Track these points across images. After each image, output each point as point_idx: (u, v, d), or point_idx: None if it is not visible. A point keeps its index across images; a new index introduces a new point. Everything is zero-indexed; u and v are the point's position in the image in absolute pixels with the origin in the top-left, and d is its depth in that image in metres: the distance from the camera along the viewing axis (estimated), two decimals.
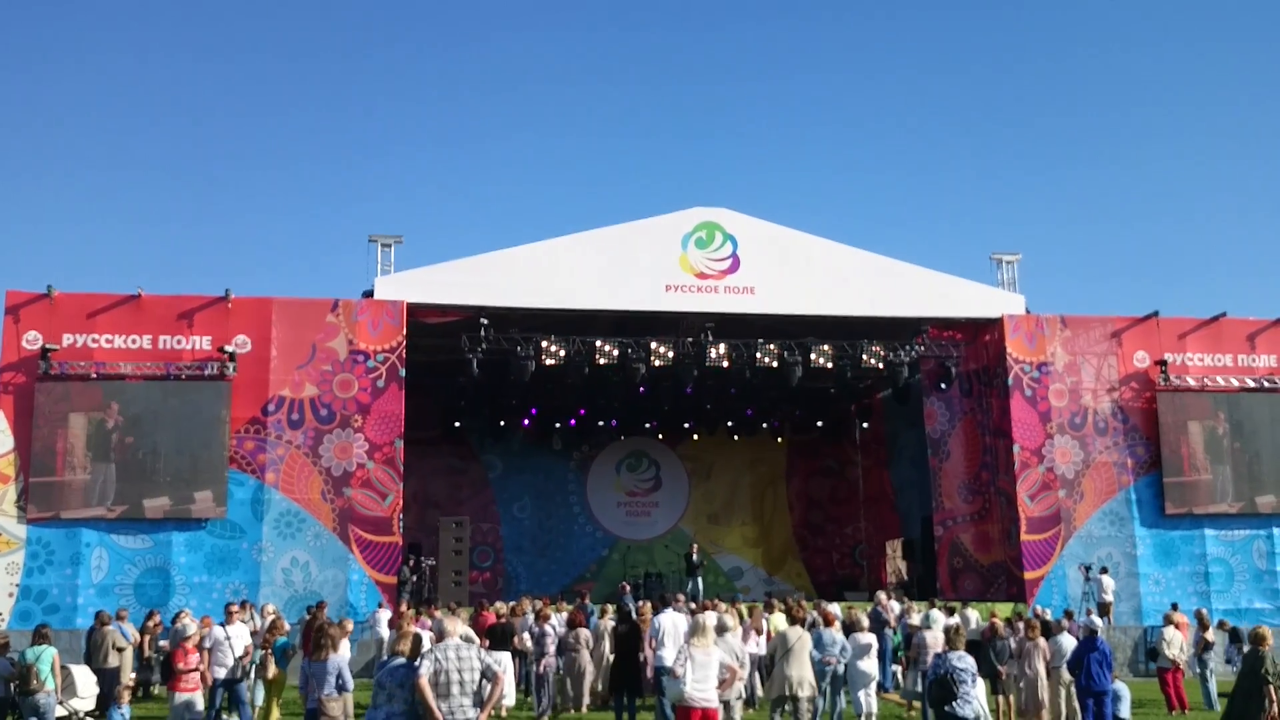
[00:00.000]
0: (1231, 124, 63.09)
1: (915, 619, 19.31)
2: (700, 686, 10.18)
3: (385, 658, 10.04)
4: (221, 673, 14.62)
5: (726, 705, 11.71)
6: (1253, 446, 26.23)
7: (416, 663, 8.71)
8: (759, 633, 16.89)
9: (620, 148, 66.41)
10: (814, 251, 25.92)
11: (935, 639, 15.56)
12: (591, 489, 34.55)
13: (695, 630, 10.63)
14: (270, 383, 23.28)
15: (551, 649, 16.96)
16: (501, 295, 24.43)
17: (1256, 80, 63.78)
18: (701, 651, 10.33)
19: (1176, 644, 17.92)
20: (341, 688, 10.42)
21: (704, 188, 75.86)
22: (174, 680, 13.77)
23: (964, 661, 11.29)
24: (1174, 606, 21.41)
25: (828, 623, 15.51)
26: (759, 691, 16.80)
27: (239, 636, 15.01)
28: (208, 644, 14.58)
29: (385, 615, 21.87)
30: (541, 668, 16.81)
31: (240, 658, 14.89)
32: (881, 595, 22.02)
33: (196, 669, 13.81)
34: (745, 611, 19.09)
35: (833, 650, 14.97)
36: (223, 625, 15.16)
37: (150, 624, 19.56)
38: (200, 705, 13.85)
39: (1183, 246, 64.08)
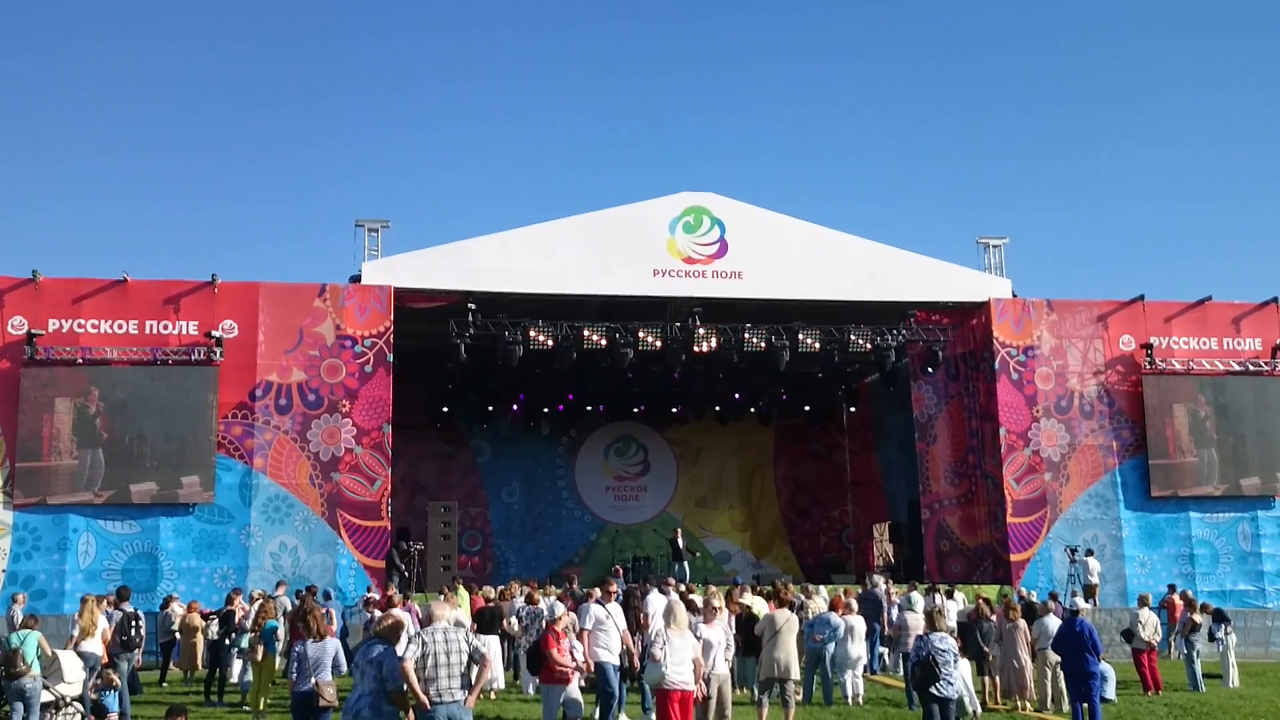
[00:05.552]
0: (1217, 110, 63.28)
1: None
2: (679, 669, 10.24)
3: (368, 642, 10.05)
4: (605, 655, 12.80)
5: (708, 681, 11.65)
6: (1237, 429, 26.34)
7: (398, 645, 8.73)
8: (716, 612, 16.86)
9: (608, 132, 66.34)
10: (801, 236, 25.92)
11: (917, 621, 15.65)
12: (580, 473, 34.60)
13: (670, 615, 10.70)
14: (258, 368, 23.25)
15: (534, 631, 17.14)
16: (489, 280, 24.40)
17: (1241, 68, 63.96)
18: (679, 635, 10.39)
19: (1151, 625, 18.09)
20: (337, 669, 10.45)
21: (692, 172, 75.82)
22: (546, 670, 11.83)
23: (945, 643, 11.38)
24: (1171, 589, 21.36)
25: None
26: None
27: (617, 614, 13.26)
28: (588, 624, 12.79)
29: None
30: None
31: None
32: (878, 579, 22.06)
33: (570, 655, 11.87)
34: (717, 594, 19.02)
35: None
36: (600, 603, 13.20)
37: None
38: (578, 696, 12.16)
39: (1168, 230, 64.35)
